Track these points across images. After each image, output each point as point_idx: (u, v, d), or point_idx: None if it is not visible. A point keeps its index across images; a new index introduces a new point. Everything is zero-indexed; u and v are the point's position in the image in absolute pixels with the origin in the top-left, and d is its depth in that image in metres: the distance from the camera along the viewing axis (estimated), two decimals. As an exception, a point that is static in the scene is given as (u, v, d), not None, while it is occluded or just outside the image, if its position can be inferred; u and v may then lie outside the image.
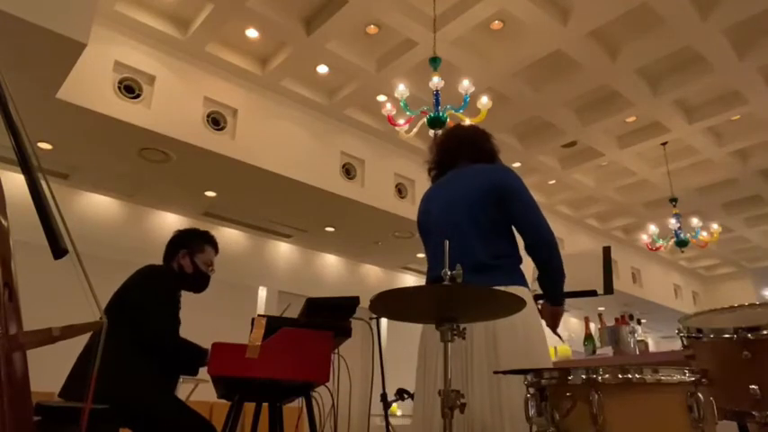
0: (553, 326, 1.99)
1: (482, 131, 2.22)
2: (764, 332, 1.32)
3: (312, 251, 8.60)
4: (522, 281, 1.85)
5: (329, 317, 2.23)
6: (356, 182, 6.75)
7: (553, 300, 1.95)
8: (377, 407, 3.34)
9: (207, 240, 2.67)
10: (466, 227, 1.89)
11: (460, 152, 2.12)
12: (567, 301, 2.02)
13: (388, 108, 4.76)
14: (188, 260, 2.58)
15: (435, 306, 1.39)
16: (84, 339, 2.27)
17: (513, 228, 1.94)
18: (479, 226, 1.88)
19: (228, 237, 7.67)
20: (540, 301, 1.99)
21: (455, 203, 1.95)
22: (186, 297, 2.64)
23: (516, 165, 7.58)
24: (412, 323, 1.58)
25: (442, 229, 1.94)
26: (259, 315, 2.25)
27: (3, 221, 1.03)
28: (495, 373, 1.56)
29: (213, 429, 2.27)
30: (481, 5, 4.88)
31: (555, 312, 1.97)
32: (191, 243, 2.62)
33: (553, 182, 8.31)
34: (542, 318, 1.96)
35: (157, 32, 5.23)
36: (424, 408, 1.76)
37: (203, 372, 2.28)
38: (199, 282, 2.63)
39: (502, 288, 1.70)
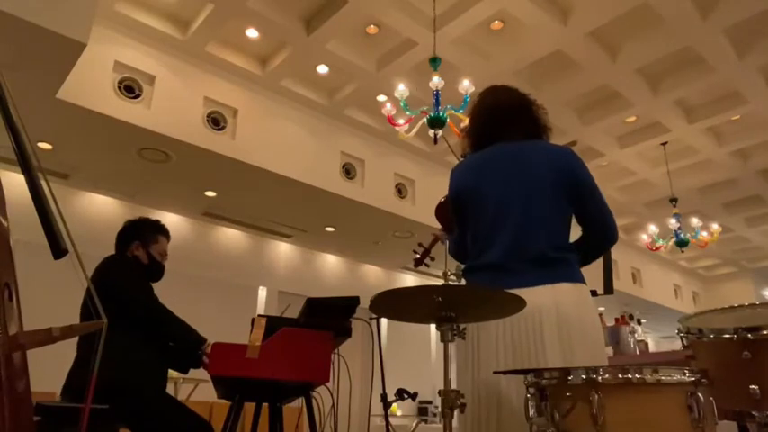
0: None
1: (534, 101, 1.95)
2: (764, 332, 1.32)
3: (312, 251, 8.60)
4: (582, 278, 1.73)
5: (329, 317, 2.23)
6: (356, 182, 6.75)
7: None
8: (377, 407, 3.34)
9: (159, 230, 2.67)
10: (530, 212, 1.71)
11: (514, 123, 1.87)
12: None
13: (388, 108, 4.76)
14: (142, 251, 2.58)
15: (435, 306, 1.39)
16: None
17: (570, 218, 1.80)
18: (545, 213, 1.72)
19: (228, 237, 7.68)
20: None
21: (516, 184, 1.75)
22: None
23: (516, 165, 7.58)
24: (412, 323, 1.57)
25: (499, 209, 1.75)
26: (259, 315, 2.25)
27: (3, 221, 1.03)
28: (495, 373, 1.55)
29: (211, 429, 2.27)
30: (481, 5, 4.88)
31: None
32: (144, 234, 2.62)
33: (553, 182, 8.29)
34: None
35: (157, 32, 5.23)
36: (473, 403, 1.62)
37: (204, 372, 2.29)
38: (155, 272, 2.62)
39: (571, 285, 1.65)
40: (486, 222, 1.78)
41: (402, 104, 4.52)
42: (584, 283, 1.72)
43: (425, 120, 4.45)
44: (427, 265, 2.33)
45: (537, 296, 1.37)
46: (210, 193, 6.56)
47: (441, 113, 4.36)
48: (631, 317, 3.42)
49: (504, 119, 1.89)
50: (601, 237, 1.80)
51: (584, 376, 1.21)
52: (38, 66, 4.14)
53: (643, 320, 3.86)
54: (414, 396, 3.15)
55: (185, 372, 2.46)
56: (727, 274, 12.59)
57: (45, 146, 5.44)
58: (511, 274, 1.68)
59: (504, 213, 1.75)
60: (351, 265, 9.10)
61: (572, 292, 1.65)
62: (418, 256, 2.33)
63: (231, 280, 7.39)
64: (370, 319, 2.44)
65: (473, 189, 1.84)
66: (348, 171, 6.71)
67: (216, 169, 5.89)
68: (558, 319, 1.56)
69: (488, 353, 1.64)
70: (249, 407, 2.48)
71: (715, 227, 7.70)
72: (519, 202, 1.73)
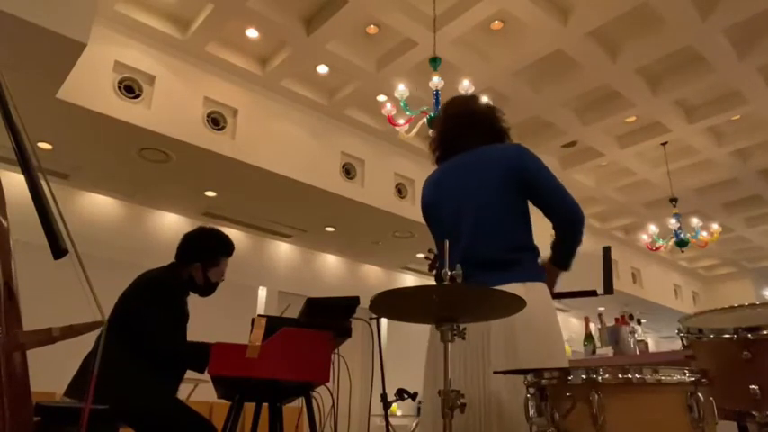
0: (551, 283, 1.89)
1: (493, 108, 2.02)
2: (764, 332, 1.32)
3: (312, 251, 8.60)
4: (541, 276, 1.76)
5: (329, 317, 2.24)
6: (356, 182, 6.75)
7: (562, 264, 1.84)
8: (377, 407, 3.34)
9: (223, 252, 2.66)
10: (482, 218, 1.77)
11: (472, 132, 1.93)
12: (567, 300, 1.99)
13: (388, 108, 4.75)
14: (200, 273, 2.59)
15: (435, 306, 1.39)
16: (89, 342, 2.28)
17: (528, 215, 1.82)
18: (497, 216, 1.76)
19: (228, 237, 7.67)
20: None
21: (468, 192, 1.81)
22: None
23: (516, 165, 7.57)
24: (412, 323, 1.57)
25: (454, 221, 1.82)
26: (259, 315, 2.25)
27: (3, 221, 1.03)
28: (495, 373, 1.56)
29: (213, 429, 2.28)
30: (481, 5, 4.88)
31: (557, 274, 1.87)
32: (206, 256, 2.61)
33: (553, 182, 8.29)
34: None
35: (157, 32, 5.22)
36: (434, 411, 1.64)
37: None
38: (207, 291, 2.66)
39: (520, 285, 1.66)
40: (446, 234, 1.83)
41: (402, 104, 4.52)
42: (542, 281, 1.74)
43: (425, 120, 4.45)
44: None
45: None
46: (210, 193, 6.56)
47: (441, 113, 4.35)
48: (631, 317, 3.42)
49: (461, 127, 1.96)
50: (567, 221, 1.78)
51: (584, 376, 1.21)
52: (38, 66, 4.14)
53: (643, 320, 3.86)
54: (414, 396, 3.15)
55: (202, 372, 2.46)
56: (727, 274, 12.58)
57: (45, 146, 5.44)
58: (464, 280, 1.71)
59: (459, 223, 1.80)
60: (351, 265, 9.09)
61: (521, 293, 1.65)
62: (430, 261, 2.34)
63: (231, 280, 7.37)
64: (370, 319, 2.43)
65: (434, 204, 1.93)
66: (348, 171, 6.71)
67: (216, 169, 5.89)
68: (502, 319, 1.58)
69: (441, 355, 1.67)
70: (249, 407, 2.48)
71: (715, 227, 7.70)
72: (471, 210, 1.79)
